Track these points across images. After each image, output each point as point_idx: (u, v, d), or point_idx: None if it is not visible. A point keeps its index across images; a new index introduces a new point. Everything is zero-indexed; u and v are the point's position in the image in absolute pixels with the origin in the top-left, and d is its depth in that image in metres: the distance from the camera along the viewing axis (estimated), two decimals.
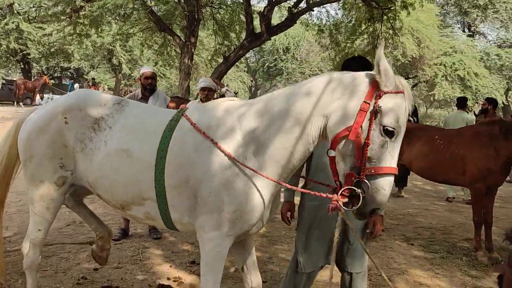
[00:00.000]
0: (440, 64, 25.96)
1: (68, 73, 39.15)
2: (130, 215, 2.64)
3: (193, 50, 14.39)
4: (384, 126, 1.98)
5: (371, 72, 2.09)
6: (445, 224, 6.70)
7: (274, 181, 2.22)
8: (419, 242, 5.61)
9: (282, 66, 34.78)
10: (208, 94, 5.71)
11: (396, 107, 1.99)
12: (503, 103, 24.91)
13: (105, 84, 31.84)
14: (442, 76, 26.03)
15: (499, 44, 32.98)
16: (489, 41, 34.37)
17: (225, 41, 16.22)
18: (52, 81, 31.10)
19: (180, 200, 2.36)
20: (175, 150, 2.36)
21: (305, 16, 14.60)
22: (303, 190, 2.55)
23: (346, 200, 2.03)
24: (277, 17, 19.65)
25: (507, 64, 30.23)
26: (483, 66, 28.21)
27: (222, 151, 2.24)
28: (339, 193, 2.03)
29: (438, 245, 5.52)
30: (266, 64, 36.40)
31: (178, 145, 2.37)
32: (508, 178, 5.15)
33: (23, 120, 2.88)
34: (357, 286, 2.93)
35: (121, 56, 26.32)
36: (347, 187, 2.01)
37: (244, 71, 35.90)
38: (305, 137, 2.18)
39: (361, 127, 1.99)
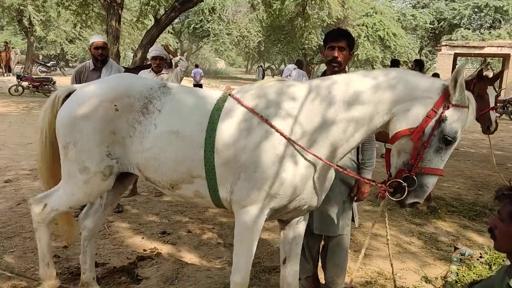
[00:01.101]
0: (363, 25, 27.08)
1: None
2: (179, 194, 2.63)
3: (120, 11, 13.58)
4: (444, 135, 2.17)
5: (444, 82, 2.24)
6: (384, 178, 7.28)
7: (323, 161, 2.33)
8: (368, 198, 6.07)
9: (209, 28, 34.04)
10: (159, 63, 5.57)
11: (459, 120, 2.18)
12: None
13: (14, 47, 29.02)
14: (365, 37, 27.23)
15: (413, 4, 34.92)
16: (405, 2, 36.25)
17: (151, 1, 15.50)
18: None
19: (230, 177, 2.41)
20: (223, 129, 2.40)
21: None
22: (352, 174, 2.59)
23: (391, 190, 2.27)
24: None
25: (421, 24, 32.29)
26: (400, 27, 29.82)
27: (273, 127, 2.31)
28: (387, 184, 2.28)
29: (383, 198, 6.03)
30: (192, 26, 35.38)
31: (227, 124, 2.40)
32: None
33: (60, 97, 2.79)
34: (334, 249, 3.18)
35: (34, 17, 24.06)
36: (396, 179, 2.24)
37: (169, 32, 34.63)
38: (365, 128, 2.31)
39: (423, 131, 2.16)
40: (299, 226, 2.74)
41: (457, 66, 2.21)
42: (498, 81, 5.90)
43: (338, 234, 3.15)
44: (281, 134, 2.31)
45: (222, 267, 3.75)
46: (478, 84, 5.07)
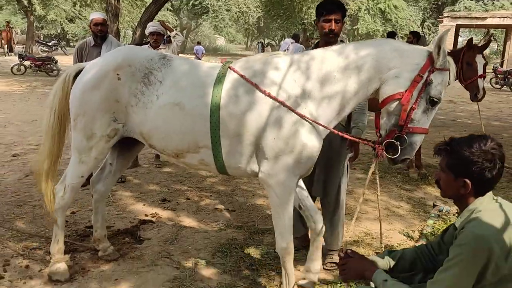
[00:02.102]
0: None
1: None
2: (184, 162, 2.80)
3: None
4: (431, 97, 2.37)
5: (427, 49, 2.43)
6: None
7: (327, 128, 2.54)
8: (360, 166, 6.31)
9: (208, 4, 33.72)
10: (157, 39, 5.72)
11: (443, 82, 2.39)
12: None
13: (14, 27, 28.93)
14: (365, 10, 26.93)
15: None
16: None
17: None
18: None
19: (236, 147, 2.58)
20: (227, 101, 2.54)
21: None
22: (350, 137, 2.78)
23: (383, 149, 2.47)
24: None
25: None
26: None
27: (274, 99, 2.48)
28: (383, 143, 2.47)
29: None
30: (191, 2, 35.05)
31: (230, 96, 2.55)
32: None
33: (71, 75, 2.96)
34: (328, 210, 3.41)
35: None
36: (388, 139, 2.44)
37: (168, 10, 34.38)
38: (360, 94, 2.52)
39: (412, 94, 2.37)
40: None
41: (440, 33, 2.40)
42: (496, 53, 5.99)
43: (332, 197, 3.37)
44: (283, 104, 2.47)
45: (218, 230, 4.01)
46: (467, 53, 5.20)
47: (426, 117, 2.43)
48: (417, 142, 2.46)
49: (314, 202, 3.53)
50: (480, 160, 1.79)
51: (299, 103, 2.50)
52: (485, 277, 1.71)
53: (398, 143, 2.41)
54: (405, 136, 2.40)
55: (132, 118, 2.78)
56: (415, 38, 9.54)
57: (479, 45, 5.42)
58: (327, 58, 2.56)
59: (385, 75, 2.44)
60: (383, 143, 2.48)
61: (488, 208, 1.82)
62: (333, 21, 3.06)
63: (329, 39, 3.10)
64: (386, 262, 2.21)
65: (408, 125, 2.40)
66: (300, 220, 3.51)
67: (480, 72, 5.26)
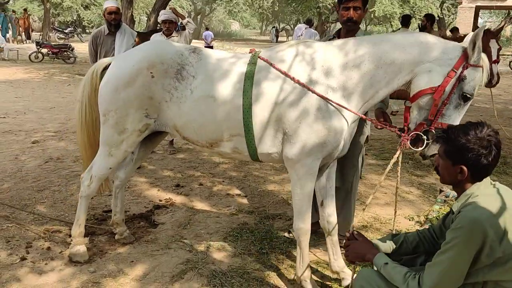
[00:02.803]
0: None
1: None
2: (218, 151, 2.91)
3: None
4: (463, 93, 2.39)
5: (462, 45, 2.45)
6: (392, 135, 7.48)
7: (356, 114, 2.60)
8: (372, 152, 6.35)
9: None
10: (169, 27, 5.81)
11: (476, 78, 2.39)
12: (438, 16, 25.94)
13: (31, 14, 29.29)
14: None
15: None
16: None
17: None
18: None
19: (268, 133, 2.69)
20: (259, 90, 2.64)
21: None
22: (379, 123, 2.85)
23: (409, 139, 2.50)
24: None
25: None
26: None
27: (305, 86, 2.56)
28: (410, 134, 2.50)
29: (388, 153, 6.29)
30: None
31: (261, 85, 2.65)
32: None
33: (98, 70, 3.06)
34: (341, 197, 3.45)
35: None
36: (416, 132, 2.47)
37: None
38: (391, 85, 2.57)
39: (444, 89, 2.39)
40: (331, 170, 3.00)
41: (477, 30, 2.41)
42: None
43: (348, 185, 3.43)
44: (313, 91, 2.54)
45: (230, 215, 4.13)
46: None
47: (457, 112, 2.44)
48: None
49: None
50: (476, 147, 1.84)
51: (326, 88, 2.57)
52: (480, 259, 1.78)
53: (425, 137, 2.44)
54: (433, 130, 2.42)
55: (166, 113, 2.87)
56: (429, 21, 9.43)
57: (493, 29, 5.37)
58: (355, 47, 2.61)
59: (418, 68, 2.47)
60: (410, 134, 2.50)
61: (485, 193, 1.88)
62: (351, 9, 3.08)
63: (348, 27, 3.14)
64: (388, 246, 2.28)
65: (438, 120, 2.42)
66: (314, 207, 3.60)
67: (494, 57, 5.24)
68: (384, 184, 5.09)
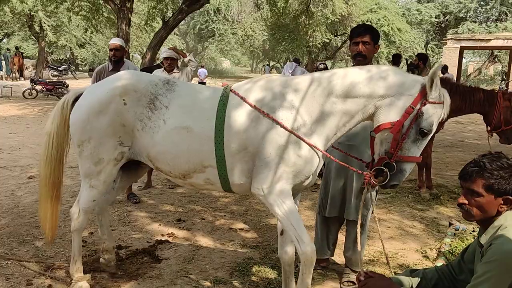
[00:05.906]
0: (367, 21, 27.08)
1: None
2: (190, 183, 2.88)
3: (129, 15, 13.96)
4: (421, 128, 2.42)
5: (422, 80, 2.48)
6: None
7: (321, 151, 2.61)
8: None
9: (214, 28, 34.38)
10: (171, 63, 5.90)
11: (434, 115, 2.42)
12: None
13: (23, 52, 29.49)
14: None
15: None
16: None
17: (158, 5, 15.86)
18: None
19: (239, 164, 2.68)
20: (230, 122, 2.66)
21: None
22: (341, 162, 2.86)
23: (373, 176, 2.51)
24: None
25: (426, 19, 32.27)
26: (405, 21, 29.76)
27: (274, 120, 2.57)
28: (372, 170, 2.51)
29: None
30: (197, 26, 35.74)
31: (233, 118, 2.67)
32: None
33: (69, 101, 3.02)
34: (350, 231, 3.47)
35: (45, 22, 24.53)
36: (377, 167, 2.49)
37: (175, 34, 35.02)
38: (354, 120, 2.61)
39: (402, 125, 2.43)
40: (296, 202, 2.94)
41: (433, 67, 2.47)
42: (505, 74, 6.07)
43: (352, 219, 3.41)
44: (282, 126, 2.57)
45: (234, 249, 4.05)
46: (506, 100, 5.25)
47: (416, 146, 2.47)
48: (406, 170, 2.50)
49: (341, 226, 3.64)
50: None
51: (294, 121, 2.59)
52: None
53: (386, 170, 2.46)
54: (394, 163, 2.45)
55: (139, 141, 2.86)
56: (421, 60, 9.64)
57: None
58: (324, 81, 2.66)
59: (380, 102, 2.51)
60: (372, 170, 2.53)
61: None
62: (360, 43, 3.17)
63: (358, 62, 3.22)
64: (408, 282, 2.25)
65: (398, 154, 2.45)
66: (327, 243, 3.60)
67: None
68: (387, 218, 5.08)
